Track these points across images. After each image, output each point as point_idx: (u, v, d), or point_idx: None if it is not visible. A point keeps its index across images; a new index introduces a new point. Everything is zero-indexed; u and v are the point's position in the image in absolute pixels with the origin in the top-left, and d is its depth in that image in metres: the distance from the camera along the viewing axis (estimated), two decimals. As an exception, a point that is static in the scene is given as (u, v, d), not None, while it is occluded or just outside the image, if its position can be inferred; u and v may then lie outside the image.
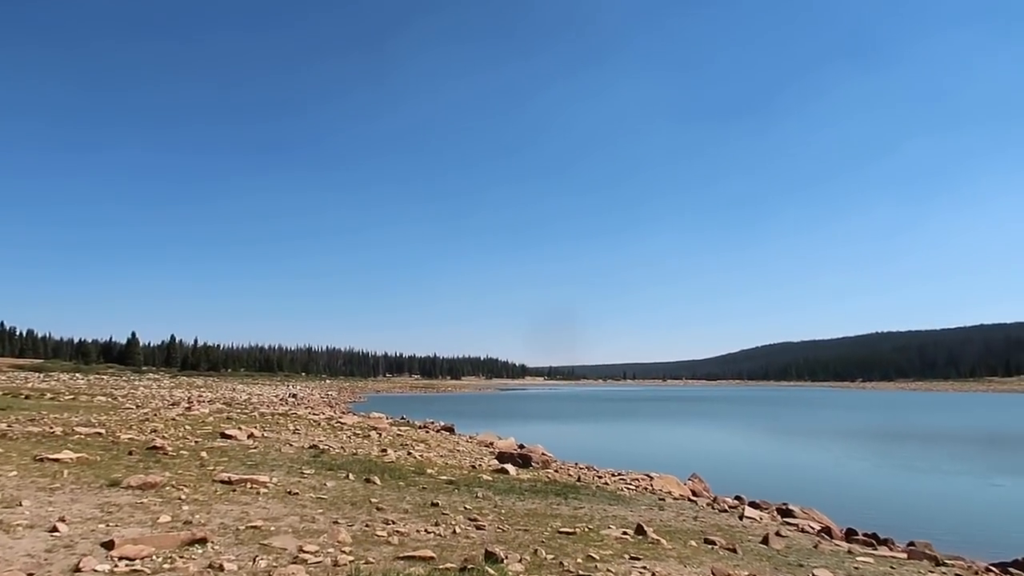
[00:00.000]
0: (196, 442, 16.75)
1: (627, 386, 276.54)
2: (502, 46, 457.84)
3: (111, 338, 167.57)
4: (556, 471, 17.76)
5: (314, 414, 32.54)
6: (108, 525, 7.40)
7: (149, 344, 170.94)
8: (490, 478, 14.42)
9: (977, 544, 13.07)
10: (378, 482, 12.05)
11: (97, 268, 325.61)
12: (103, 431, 17.45)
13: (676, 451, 32.79)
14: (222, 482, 10.61)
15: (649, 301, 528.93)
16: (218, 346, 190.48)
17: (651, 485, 15.98)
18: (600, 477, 17.37)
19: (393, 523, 8.65)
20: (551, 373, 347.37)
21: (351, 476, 12.48)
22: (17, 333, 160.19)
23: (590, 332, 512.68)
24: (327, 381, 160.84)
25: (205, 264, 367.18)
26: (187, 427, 20.60)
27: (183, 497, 9.26)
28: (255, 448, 16.21)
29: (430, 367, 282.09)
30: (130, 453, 13.35)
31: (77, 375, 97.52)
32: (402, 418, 37.59)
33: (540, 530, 9.02)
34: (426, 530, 8.35)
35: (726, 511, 12.56)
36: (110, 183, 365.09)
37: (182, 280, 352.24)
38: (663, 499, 13.63)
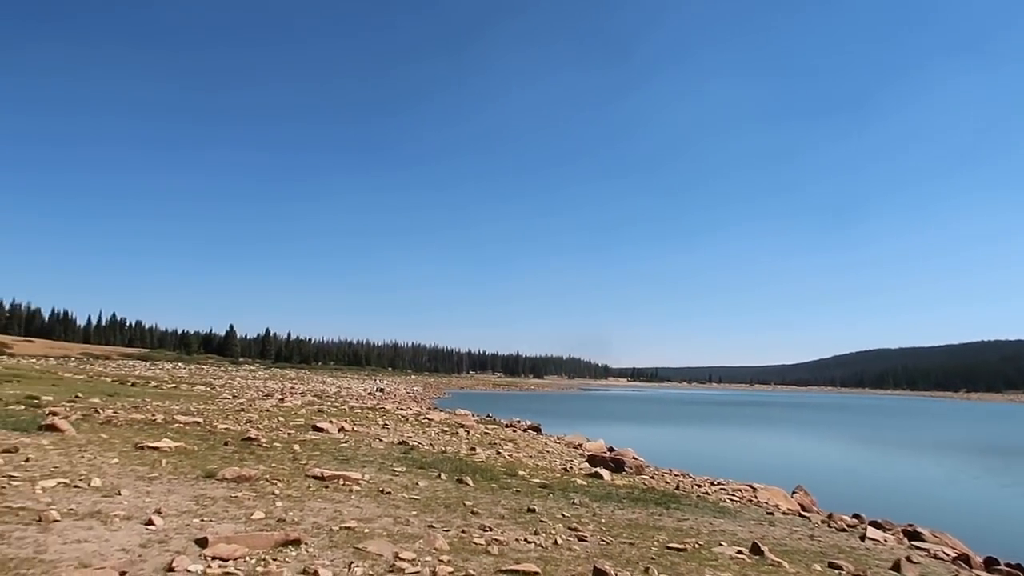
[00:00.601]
0: (289, 434, 16.82)
1: (712, 389, 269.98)
2: (586, 48, 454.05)
3: (211, 330, 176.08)
4: (651, 477, 16.95)
5: (401, 409, 32.67)
6: (202, 520, 7.20)
7: (246, 336, 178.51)
8: (584, 483, 13.79)
9: None
10: (470, 483, 11.62)
11: (200, 263, 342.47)
12: (201, 420, 17.77)
13: (772, 460, 31.25)
14: (315, 477, 10.40)
15: (737, 304, 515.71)
16: (309, 340, 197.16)
17: (755, 497, 14.96)
18: (699, 486, 16.45)
19: (490, 530, 8.15)
20: (634, 374, 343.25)
21: (443, 476, 12.10)
22: (127, 324, 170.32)
23: (673, 333, 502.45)
24: (412, 376, 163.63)
25: (298, 260, 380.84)
26: (280, 418, 20.85)
27: (276, 492, 9.05)
28: (346, 442, 16.12)
29: (513, 365, 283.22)
30: (226, 443, 13.42)
31: (180, 364, 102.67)
32: (488, 416, 37.34)
33: (646, 544, 8.34)
34: (526, 539, 7.80)
35: (845, 530, 11.50)
36: (214, 180, 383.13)
37: (278, 275, 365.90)
38: (771, 513, 12.66)
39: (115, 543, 6.04)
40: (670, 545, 8.34)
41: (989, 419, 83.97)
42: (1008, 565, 10.35)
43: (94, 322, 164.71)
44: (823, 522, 12.17)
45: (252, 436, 14.63)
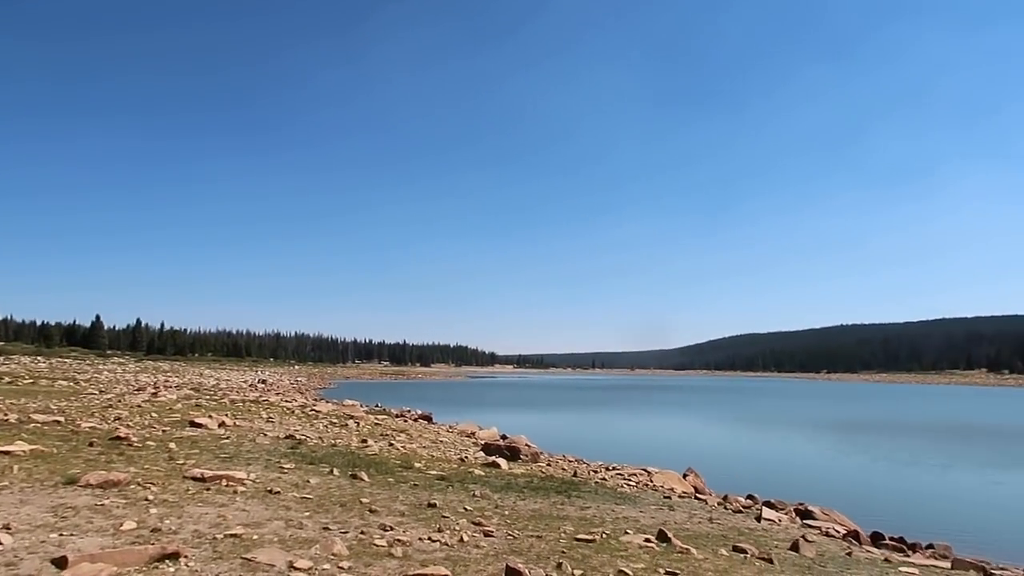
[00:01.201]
0: (164, 431, 15.59)
1: (595, 375, 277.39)
2: (471, 31, 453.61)
3: (75, 321, 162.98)
4: (548, 465, 16.92)
5: (286, 401, 31.33)
6: (61, 534, 6.33)
7: (114, 327, 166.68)
8: (482, 473, 13.50)
9: (995, 547, 12.47)
10: (365, 478, 11.05)
11: (62, 250, 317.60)
12: (62, 419, 16.18)
13: (659, 442, 32.27)
14: (194, 479, 9.53)
15: (618, 290, 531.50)
16: (185, 330, 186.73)
17: (651, 481, 15.18)
18: (595, 472, 16.55)
19: (391, 529, 7.67)
20: (520, 361, 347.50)
21: (335, 471, 11.47)
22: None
23: (557, 320, 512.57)
24: (296, 367, 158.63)
25: (173, 248, 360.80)
26: (153, 414, 19.36)
27: (150, 498, 8.18)
28: (227, 438, 15.10)
29: (399, 354, 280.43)
30: (91, 444, 12.18)
31: (39, 358, 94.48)
32: (377, 406, 36.50)
33: (554, 536, 8.12)
34: (430, 538, 7.38)
35: (741, 512, 11.78)
36: (84, 170, 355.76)
37: (148, 263, 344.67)
38: (668, 497, 12.82)
39: (-49, 569, 5.15)
40: (578, 536, 8.14)
41: (849, 398, 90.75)
42: (891, 539, 10.90)
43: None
44: (719, 504, 12.45)
45: (122, 435, 13.39)
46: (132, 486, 8.76)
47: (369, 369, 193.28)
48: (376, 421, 24.30)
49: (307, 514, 8.13)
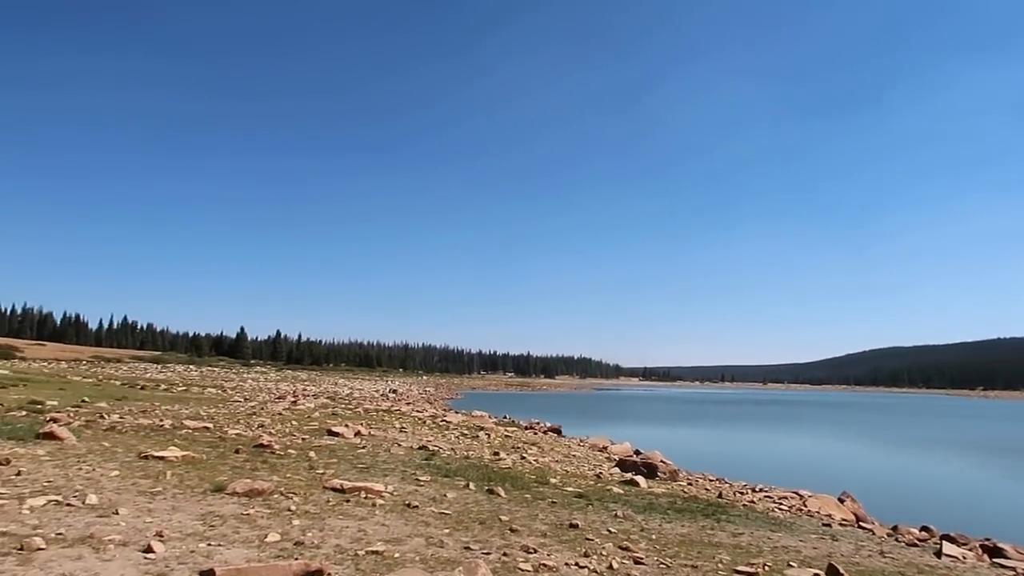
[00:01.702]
0: (303, 439, 15.94)
1: (725, 388, 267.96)
2: (594, 49, 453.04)
3: (222, 332, 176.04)
4: (689, 484, 15.97)
5: (417, 411, 31.77)
6: (210, 544, 6.27)
7: (257, 338, 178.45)
8: (621, 491, 12.81)
9: None
10: (502, 494, 10.66)
11: (211, 266, 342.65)
12: (211, 425, 16.91)
13: (800, 462, 30.11)
14: (334, 490, 9.46)
15: (750, 302, 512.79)
16: (320, 341, 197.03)
17: (805, 506, 13.94)
18: (742, 494, 15.45)
19: (534, 551, 7.19)
20: (645, 374, 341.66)
21: (471, 485, 11.14)
22: (139, 327, 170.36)
23: (685, 332, 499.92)
24: (424, 377, 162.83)
25: (309, 263, 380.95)
26: (294, 422, 19.97)
27: (292, 508, 8.11)
28: (363, 448, 15.22)
29: (524, 365, 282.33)
30: (237, 451, 12.52)
31: (191, 367, 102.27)
32: (505, 417, 36.39)
33: (710, 567, 7.37)
34: (577, 563, 6.84)
35: (916, 545, 10.45)
36: (225, 186, 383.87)
37: (289, 277, 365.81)
38: (828, 525, 11.65)
39: (106, 577, 5.12)
40: (738, 569, 7.35)
41: (1017, 418, 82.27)
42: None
43: (106, 325, 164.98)
44: (888, 535, 11.13)
45: (265, 442, 13.74)
46: (275, 495, 8.76)
47: (494, 380, 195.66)
48: (506, 433, 24.08)
49: (447, 531, 7.79)
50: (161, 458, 10.71)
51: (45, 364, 77.76)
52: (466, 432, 22.61)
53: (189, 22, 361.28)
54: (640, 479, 14.22)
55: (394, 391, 69.22)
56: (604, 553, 7.46)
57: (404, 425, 22.66)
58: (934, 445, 41.96)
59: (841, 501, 15.14)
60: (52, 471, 9.14)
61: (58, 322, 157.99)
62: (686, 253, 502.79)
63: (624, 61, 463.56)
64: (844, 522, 12.44)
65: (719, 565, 7.51)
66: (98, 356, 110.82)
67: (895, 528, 11.97)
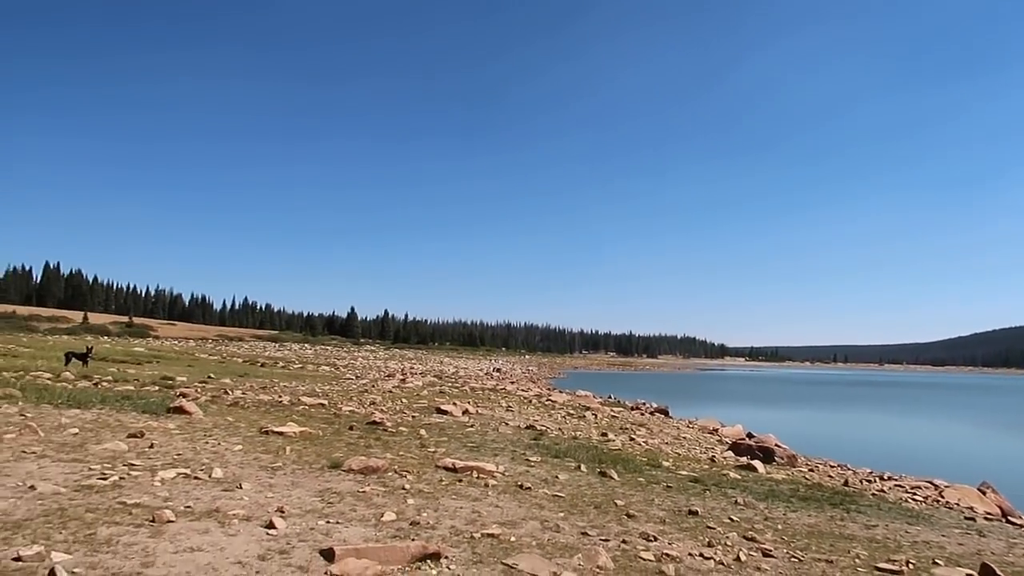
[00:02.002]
0: (413, 417, 16.15)
1: (838, 369, 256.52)
2: (690, 25, 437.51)
3: (334, 312, 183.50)
4: (810, 470, 15.16)
5: (522, 391, 31.85)
6: (328, 522, 6.30)
7: (366, 318, 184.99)
8: (738, 476, 12.23)
9: None
10: (615, 476, 10.35)
11: (323, 248, 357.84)
12: (326, 402, 17.42)
13: (928, 449, 28.12)
14: (446, 469, 9.43)
15: (864, 281, 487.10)
16: (426, 321, 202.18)
17: (941, 496, 12.90)
18: (869, 482, 14.49)
19: (655, 539, 6.86)
20: (752, 353, 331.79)
21: (583, 467, 10.89)
22: (258, 307, 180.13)
23: (793, 311, 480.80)
24: (526, 356, 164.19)
25: (417, 244, 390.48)
26: (403, 400, 20.34)
27: (407, 487, 8.10)
28: (472, 426, 15.26)
29: (626, 344, 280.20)
30: (351, 428, 12.79)
31: (306, 345, 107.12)
32: (610, 397, 35.97)
33: (847, 563, 6.81)
34: (701, 554, 6.46)
35: (1080, 545, 9.43)
36: (333, 170, 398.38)
37: (396, 258, 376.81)
38: (971, 519, 10.69)
39: (231, 553, 5.17)
40: (879, 566, 6.76)
41: None
42: None
43: (229, 306, 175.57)
44: (1046, 532, 10.10)
45: (377, 419, 13.98)
46: (389, 473, 8.80)
47: (596, 359, 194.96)
48: (613, 414, 23.72)
49: (561, 515, 7.57)
50: (280, 433, 11.02)
51: (175, 342, 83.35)
52: (572, 412, 22.40)
53: (290, 13, 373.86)
54: (757, 464, 13.57)
55: (498, 370, 69.98)
56: (729, 543, 7.04)
57: (510, 404, 22.69)
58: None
59: (982, 493, 13.94)
60: (181, 444, 9.54)
61: (187, 303, 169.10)
62: (795, 230, 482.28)
63: (718, 38, 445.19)
64: (989, 516, 11.40)
65: (856, 561, 6.95)
66: (222, 335, 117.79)
67: (1053, 525, 10.85)
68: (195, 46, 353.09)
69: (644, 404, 31.55)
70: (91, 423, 10.68)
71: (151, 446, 9.10)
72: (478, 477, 9.15)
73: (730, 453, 16.61)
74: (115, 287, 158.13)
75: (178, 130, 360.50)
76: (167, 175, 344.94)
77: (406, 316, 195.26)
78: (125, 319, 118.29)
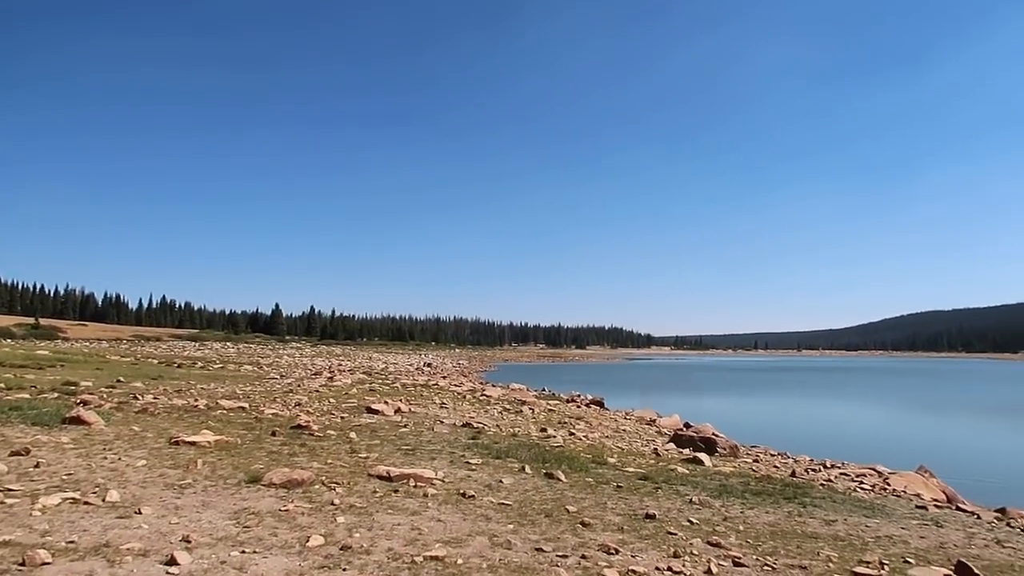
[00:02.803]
0: (342, 418, 15.17)
1: (759, 356, 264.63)
2: (619, 10, 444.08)
3: (257, 309, 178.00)
4: (755, 460, 14.88)
5: (455, 385, 31.01)
6: (243, 551, 5.38)
7: (291, 315, 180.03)
8: (685, 470, 11.76)
9: None
10: (562, 478, 9.68)
11: (244, 242, 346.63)
12: (247, 405, 16.22)
13: (858, 433, 28.69)
14: (380, 477, 8.57)
15: (782, 268, 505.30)
16: (353, 316, 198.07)
17: (887, 484, 12.76)
18: (814, 471, 14.30)
19: (616, 551, 6.21)
20: (677, 342, 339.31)
21: (527, 469, 10.19)
22: (177, 305, 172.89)
23: (716, 300, 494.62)
24: (456, 350, 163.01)
25: (339, 236, 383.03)
26: (331, 400, 19.25)
27: (336, 501, 7.22)
28: (405, 426, 14.38)
29: (555, 336, 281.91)
30: (273, 433, 11.73)
31: (228, 344, 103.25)
32: (544, 390, 35.44)
33: (819, 568, 6.32)
34: (670, 568, 5.83)
35: (1033, 532, 9.31)
36: (254, 160, 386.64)
37: (320, 252, 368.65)
38: (923, 508, 10.50)
39: (119, 602, 4.23)
40: (855, 570, 6.29)
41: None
42: None
43: (145, 305, 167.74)
44: (997, 520, 9.95)
45: (303, 423, 12.95)
46: (316, 486, 7.90)
47: (527, 352, 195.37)
48: (549, 407, 23.16)
49: (511, 527, 6.84)
50: (193, 444, 9.92)
51: (87, 344, 78.84)
52: (508, 407, 21.73)
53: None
54: (703, 456, 13.17)
55: (429, 364, 68.84)
56: (695, 552, 6.45)
57: (444, 401, 21.86)
58: (994, 412, 40.06)
59: (923, 477, 13.92)
60: (74, 461, 8.37)
61: (99, 302, 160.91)
62: (716, 219, 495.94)
63: (653, 22, 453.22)
64: (937, 503, 11.27)
65: (830, 565, 6.46)
66: (138, 335, 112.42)
67: (1003, 511, 10.75)
68: (99, 35, 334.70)
69: (579, 396, 31.17)
70: (-32, 439, 9.35)
71: (36, 465, 7.91)
72: (416, 486, 8.33)
73: (672, 445, 16.24)
74: (20, 287, 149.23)
75: (84, 122, 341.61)
76: (75, 169, 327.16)
77: (333, 312, 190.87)
78: (31, 320, 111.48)
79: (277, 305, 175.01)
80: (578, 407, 25.65)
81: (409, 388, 26.54)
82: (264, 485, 7.70)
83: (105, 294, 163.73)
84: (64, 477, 7.48)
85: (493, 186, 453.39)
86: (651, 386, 60.14)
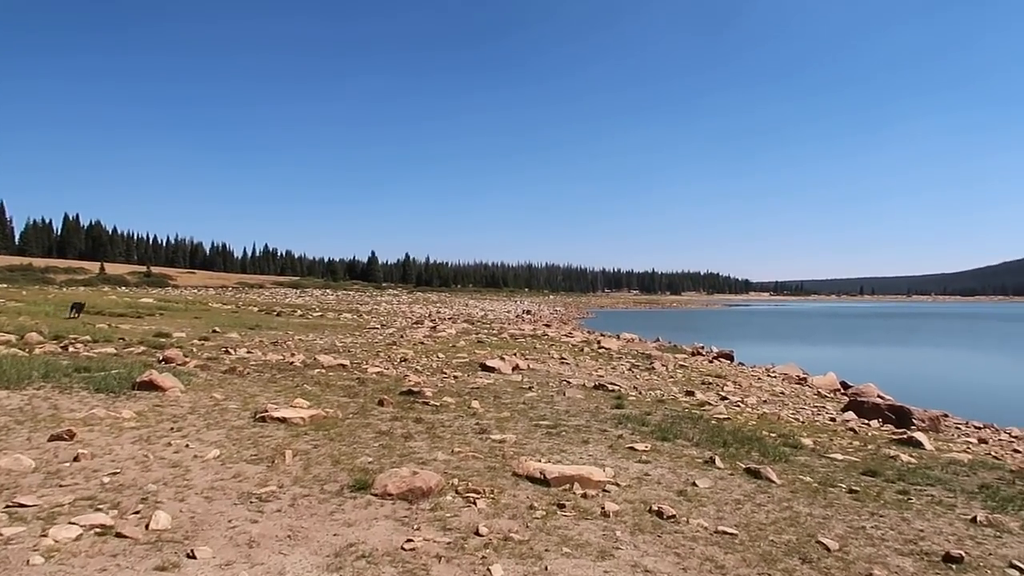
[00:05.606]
0: (455, 378, 13.00)
1: (865, 302, 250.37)
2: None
3: (354, 256, 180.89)
4: (979, 441, 11.72)
5: (567, 336, 28.59)
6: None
7: (387, 262, 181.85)
8: (910, 458, 8.82)
9: None
10: (774, 478, 6.96)
11: (341, 191, 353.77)
12: (347, 361, 14.30)
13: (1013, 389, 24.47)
14: (532, 480, 6.15)
15: (886, 210, 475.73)
16: (447, 263, 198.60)
17: None
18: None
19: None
20: (777, 288, 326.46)
21: (718, 461, 7.53)
22: (279, 253, 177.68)
23: (817, 244, 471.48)
24: (550, 297, 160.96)
25: (433, 182, 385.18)
26: (439, 355, 17.17)
27: (483, 531, 4.81)
28: (530, 389, 12.03)
29: (649, 282, 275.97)
30: (380, 403, 9.54)
31: (327, 291, 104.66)
32: (659, 341, 32.41)
33: None
34: None
35: None
36: (350, 108, 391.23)
37: (414, 200, 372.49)
38: None
39: None
40: None
41: None
42: None
43: (249, 254, 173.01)
44: None
45: (413, 387, 10.81)
46: (448, 496, 5.54)
47: (620, 298, 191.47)
48: (679, 363, 20.34)
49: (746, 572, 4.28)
50: (283, 420, 7.81)
51: (195, 291, 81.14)
52: (636, 362, 19.10)
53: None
54: (921, 437, 10.16)
55: (528, 312, 66.92)
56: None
57: (563, 355, 19.44)
58: None
59: None
60: (128, 450, 6.34)
61: (207, 251, 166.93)
62: (819, 160, 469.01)
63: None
64: None
65: None
66: (242, 282, 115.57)
67: None
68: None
69: (703, 348, 28.10)
70: (12, 412, 7.52)
71: (75, 459, 5.90)
72: (585, 495, 5.86)
73: (851, 415, 13.26)
74: (135, 237, 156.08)
75: (187, 72, 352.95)
76: (179, 116, 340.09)
77: (427, 259, 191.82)
78: (144, 269, 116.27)
79: (373, 252, 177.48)
80: (709, 362, 22.75)
81: (519, 339, 24.28)
82: (376, 495, 5.41)
83: (212, 243, 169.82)
84: (104, 480, 5.40)
85: (586, 128, 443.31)
86: (764, 335, 55.87)
